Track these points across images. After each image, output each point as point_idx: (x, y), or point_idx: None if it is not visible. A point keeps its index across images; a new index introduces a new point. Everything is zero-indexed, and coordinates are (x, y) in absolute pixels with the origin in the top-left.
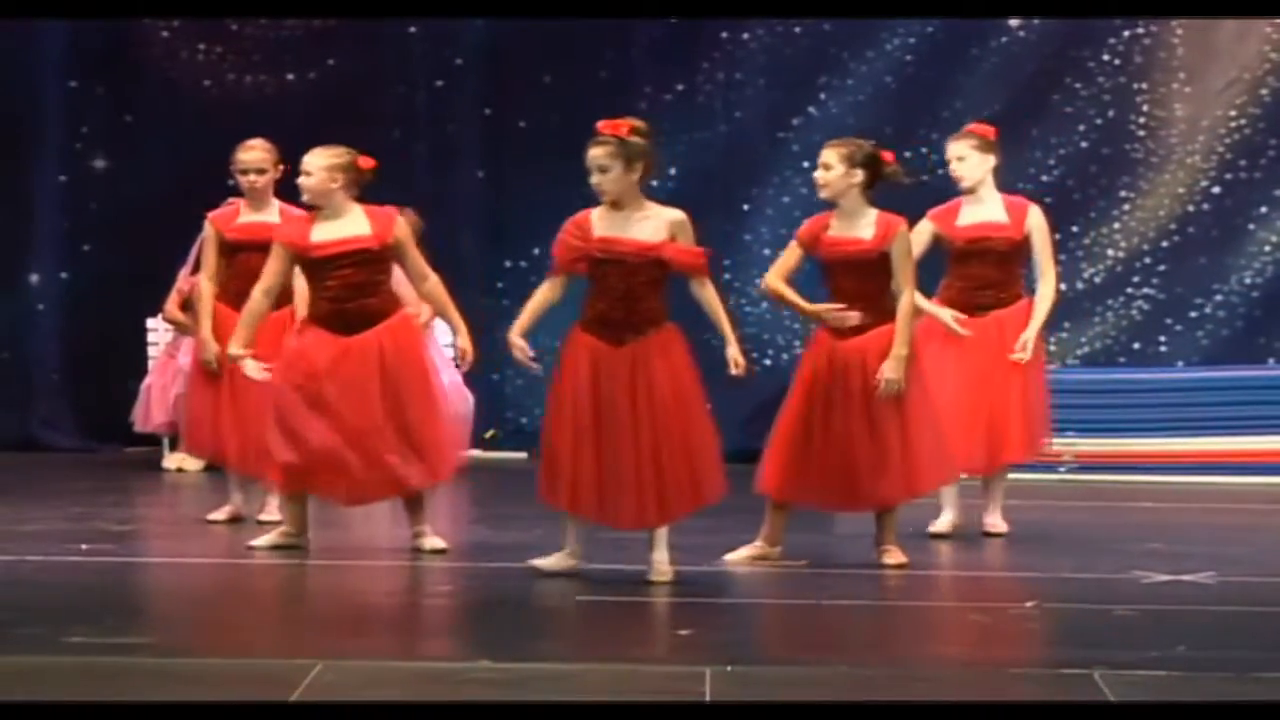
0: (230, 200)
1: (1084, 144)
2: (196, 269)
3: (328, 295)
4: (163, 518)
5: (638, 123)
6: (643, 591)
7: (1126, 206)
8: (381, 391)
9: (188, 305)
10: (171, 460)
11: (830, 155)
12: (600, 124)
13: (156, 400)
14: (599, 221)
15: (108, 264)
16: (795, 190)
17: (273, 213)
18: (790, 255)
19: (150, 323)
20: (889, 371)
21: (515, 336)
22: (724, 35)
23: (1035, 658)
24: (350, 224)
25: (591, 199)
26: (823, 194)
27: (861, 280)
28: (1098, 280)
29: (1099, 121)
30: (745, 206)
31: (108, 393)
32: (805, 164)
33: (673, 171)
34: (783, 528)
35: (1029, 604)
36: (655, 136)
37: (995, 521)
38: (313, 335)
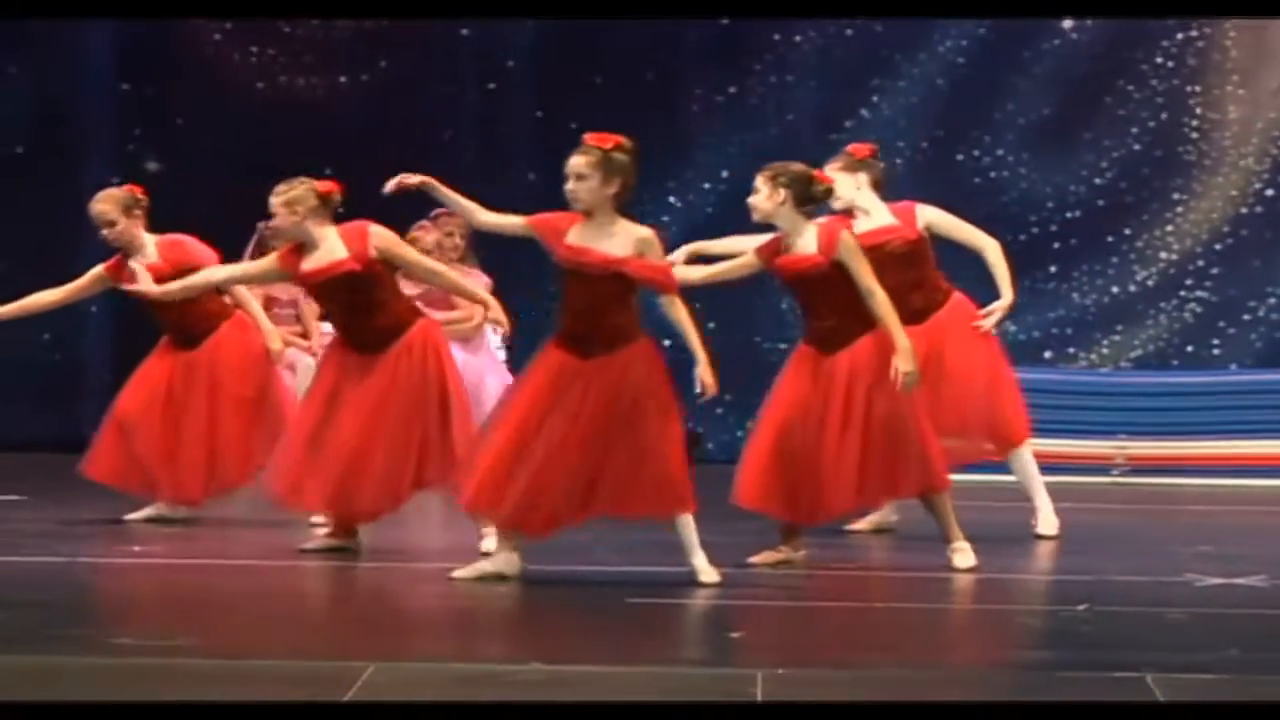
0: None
1: (1137, 146)
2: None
3: (337, 322)
4: (213, 519)
5: (625, 141)
6: (691, 594)
7: (1179, 209)
8: (395, 406)
9: None
10: None
11: (758, 179)
12: (588, 135)
13: None
14: (574, 230)
15: None
16: None
17: (149, 252)
18: (744, 258)
19: None
20: (902, 365)
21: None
22: (775, 37)
23: (1087, 660)
24: (328, 251)
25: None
26: (755, 217)
27: (828, 293)
28: (1150, 283)
29: (1152, 124)
30: None
31: None
32: None
33: (724, 174)
34: (797, 533)
35: (1081, 607)
36: (638, 159)
37: (1047, 520)
38: (335, 353)
